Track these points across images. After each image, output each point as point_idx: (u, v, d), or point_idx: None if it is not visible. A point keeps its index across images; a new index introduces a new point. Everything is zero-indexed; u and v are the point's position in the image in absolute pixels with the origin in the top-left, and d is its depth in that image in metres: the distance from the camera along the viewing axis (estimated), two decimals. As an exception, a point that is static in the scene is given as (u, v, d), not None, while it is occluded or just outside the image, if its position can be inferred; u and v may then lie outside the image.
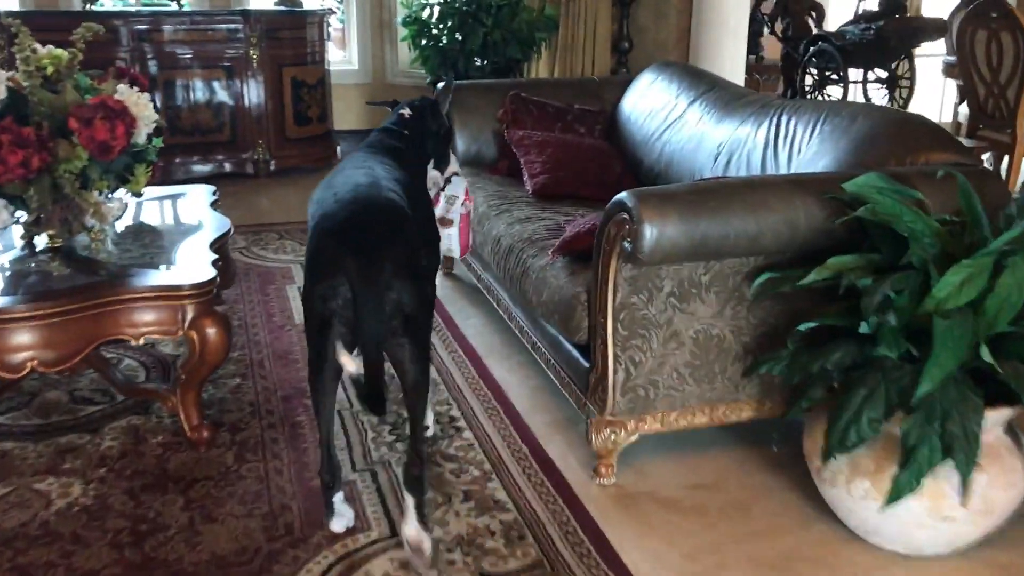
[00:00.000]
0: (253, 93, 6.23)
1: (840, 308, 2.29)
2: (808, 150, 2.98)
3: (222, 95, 6.20)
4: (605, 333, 2.51)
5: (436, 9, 6.07)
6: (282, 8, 6.41)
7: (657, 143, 3.85)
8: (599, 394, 2.57)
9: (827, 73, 3.95)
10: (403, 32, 6.41)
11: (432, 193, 3.00)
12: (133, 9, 6.26)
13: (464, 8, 5.87)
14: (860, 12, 3.90)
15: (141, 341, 2.61)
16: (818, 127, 2.99)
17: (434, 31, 6.09)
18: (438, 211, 3.30)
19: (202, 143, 6.20)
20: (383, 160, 2.56)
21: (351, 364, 2.16)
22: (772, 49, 6.10)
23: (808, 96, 3.94)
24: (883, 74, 4.66)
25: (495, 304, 3.58)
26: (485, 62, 6.01)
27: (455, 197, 3.22)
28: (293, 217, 5.42)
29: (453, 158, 3.02)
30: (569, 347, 2.77)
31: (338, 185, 2.37)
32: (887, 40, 3.64)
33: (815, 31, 4.31)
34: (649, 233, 2.29)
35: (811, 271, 2.30)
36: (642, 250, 2.31)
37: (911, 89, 4.00)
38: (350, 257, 2.09)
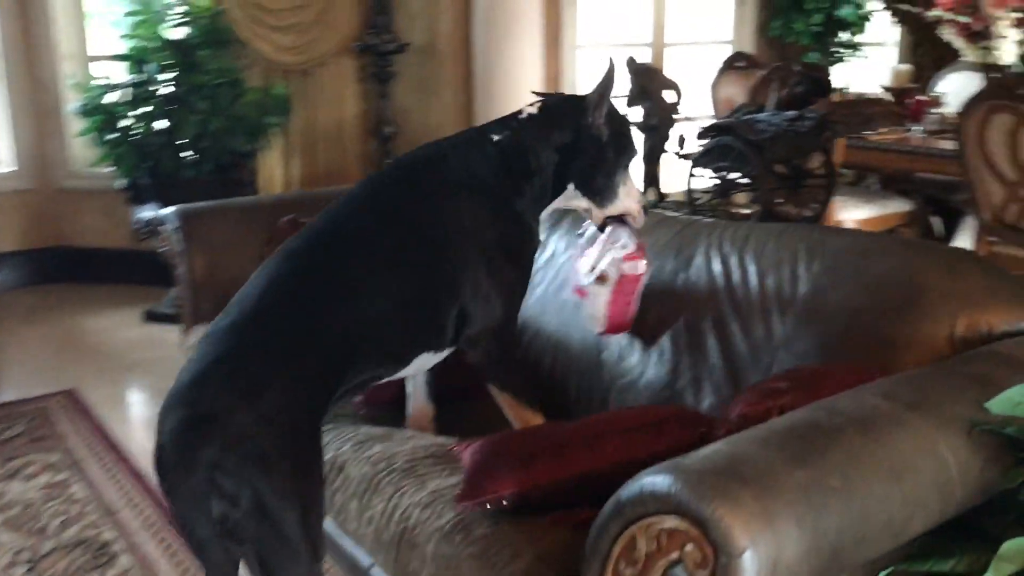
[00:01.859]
0: None
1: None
2: (794, 305, 2.02)
3: None
4: None
5: (126, 92, 4.56)
6: None
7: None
8: None
9: (728, 175, 3.09)
10: (82, 123, 4.80)
11: (585, 238, 2.19)
12: None
13: (170, 91, 4.43)
14: (782, 95, 3.09)
15: None
16: (801, 269, 2.04)
17: (124, 121, 4.57)
18: (589, 262, 2.17)
19: None
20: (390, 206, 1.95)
21: None
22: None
23: (706, 206, 3.07)
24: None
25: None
26: (200, 158, 4.59)
27: (621, 246, 2.11)
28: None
29: (628, 189, 2.08)
30: None
31: (253, 285, 1.84)
32: (823, 130, 2.86)
33: (679, 115, 3.49)
34: (756, 567, 1.16)
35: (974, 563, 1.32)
36: (742, 600, 1.17)
37: (830, 189, 3.24)
38: (172, 432, 1.59)
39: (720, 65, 6.09)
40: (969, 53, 4.55)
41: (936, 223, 5.35)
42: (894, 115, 2.99)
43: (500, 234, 2.00)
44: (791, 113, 2.86)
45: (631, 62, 3.35)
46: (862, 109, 2.82)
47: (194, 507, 1.56)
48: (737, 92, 6.07)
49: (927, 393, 1.47)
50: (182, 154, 4.58)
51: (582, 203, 2.09)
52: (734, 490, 1.20)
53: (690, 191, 3.16)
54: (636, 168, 2.12)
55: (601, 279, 2.11)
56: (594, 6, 5.96)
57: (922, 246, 2.00)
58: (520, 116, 2.07)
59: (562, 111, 2.06)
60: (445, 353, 2.03)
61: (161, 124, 4.52)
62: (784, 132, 2.80)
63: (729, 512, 1.17)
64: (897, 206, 4.87)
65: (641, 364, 2.27)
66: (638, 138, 4.03)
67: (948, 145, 4.44)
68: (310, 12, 4.94)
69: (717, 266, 2.21)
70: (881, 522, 1.29)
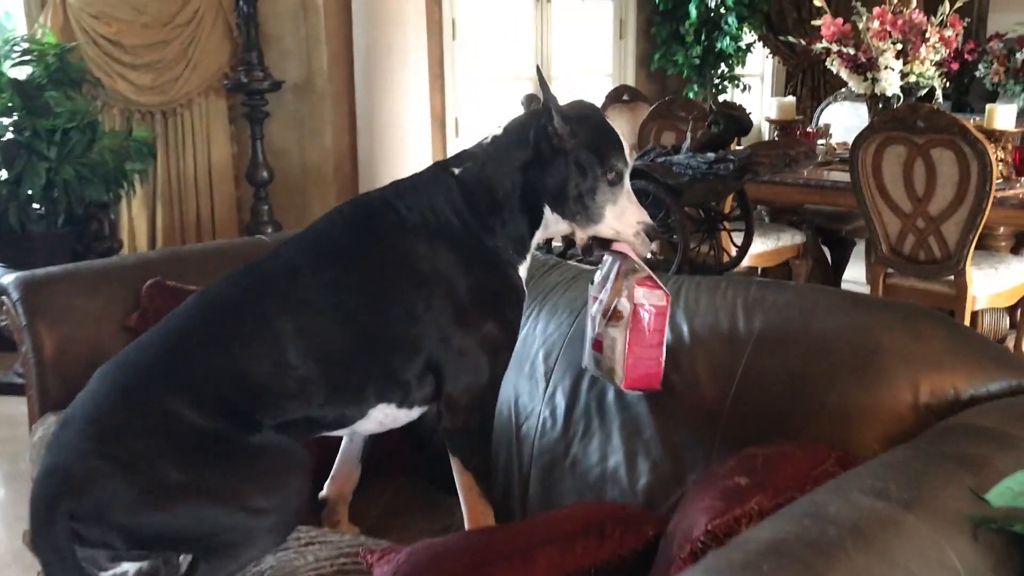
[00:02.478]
0: None
1: None
2: (735, 369, 1.82)
3: None
4: None
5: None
6: None
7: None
8: None
9: None
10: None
11: (595, 284, 1.88)
12: None
13: (14, 136, 3.98)
14: (699, 136, 2.90)
15: None
16: (741, 329, 1.85)
17: (-40, 172, 4.09)
18: (601, 303, 1.85)
19: None
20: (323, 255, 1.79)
21: None
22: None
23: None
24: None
25: None
26: (50, 211, 4.14)
27: (633, 272, 1.80)
28: None
29: (618, 209, 1.78)
30: None
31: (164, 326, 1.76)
32: (745, 172, 2.68)
33: None
34: None
35: None
36: None
37: (750, 232, 3.06)
38: (35, 484, 1.58)
39: (603, 100, 6.01)
40: (855, 84, 4.55)
41: (826, 253, 5.38)
42: (810, 155, 2.89)
43: (470, 281, 1.78)
44: (711, 155, 2.69)
45: (531, 100, 3.15)
46: (786, 150, 2.68)
47: (57, 559, 1.49)
48: (624, 126, 5.99)
49: (919, 486, 1.27)
50: (34, 205, 4.13)
51: (563, 227, 1.81)
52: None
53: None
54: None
55: (616, 317, 1.81)
56: (478, 40, 5.78)
57: (872, 302, 1.84)
58: (484, 142, 1.85)
59: (523, 123, 1.82)
60: (416, 411, 1.84)
61: (3, 174, 4.05)
62: (704, 175, 2.63)
63: None
64: (790, 238, 4.84)
65: (566, 439, 2.03)
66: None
67: (837, 176, 4.43)
68: (172, 48, 4.57)
69: (642, 329, 2.00)
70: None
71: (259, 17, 4.58)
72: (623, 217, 1.78)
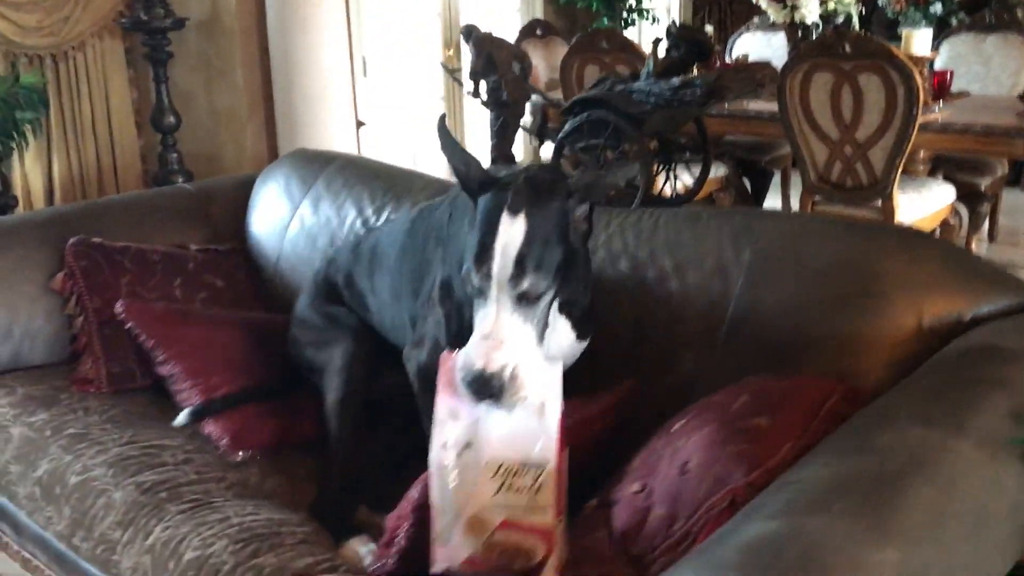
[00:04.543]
0: None
1: None
2: (726, 304, 1.77)
3: None
4: None
5: None
6: None
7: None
8: None
9: (603, 152, 2.74)
10: None
11: None
12: None
13: None
14: (659, 62, 2.76)
15: None
16: (729, 261, 1.79)
17: None
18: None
19: None
20: None
21: None
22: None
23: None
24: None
25: None
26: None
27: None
28: None
29: (473, 337, 1.33)
30: None
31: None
32: (711, 97, 2.57)
33: (535, 89, 3.12)
34: None
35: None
36: None
37: (707, 164, 2.96)
38: None
39: (516, 35, 5.85)
40: (774, 13, 4.54)
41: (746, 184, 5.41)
42: (778, 77, 2.82)
43: None
44: (675, 80, 2.59)
45: (471, 30, 2.97)
46: (752, 73, 2.61)
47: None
48: (540, 62, 5.86)
49: (962, 412, 1.24)
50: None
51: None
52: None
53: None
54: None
55: None
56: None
57: (863, 227, 1.79)
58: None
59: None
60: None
61: None
62: (668, 102, 2.53)
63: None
64: (713, 170, 4.81)
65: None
66: (484, 116, 3.66)
67: (758, 106, 4.42)
68: (58, -15, 4.19)
69: (624, 263, 1.92)
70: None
71: (154, -51, 4.23)
72: (477, 333, 1.31)
